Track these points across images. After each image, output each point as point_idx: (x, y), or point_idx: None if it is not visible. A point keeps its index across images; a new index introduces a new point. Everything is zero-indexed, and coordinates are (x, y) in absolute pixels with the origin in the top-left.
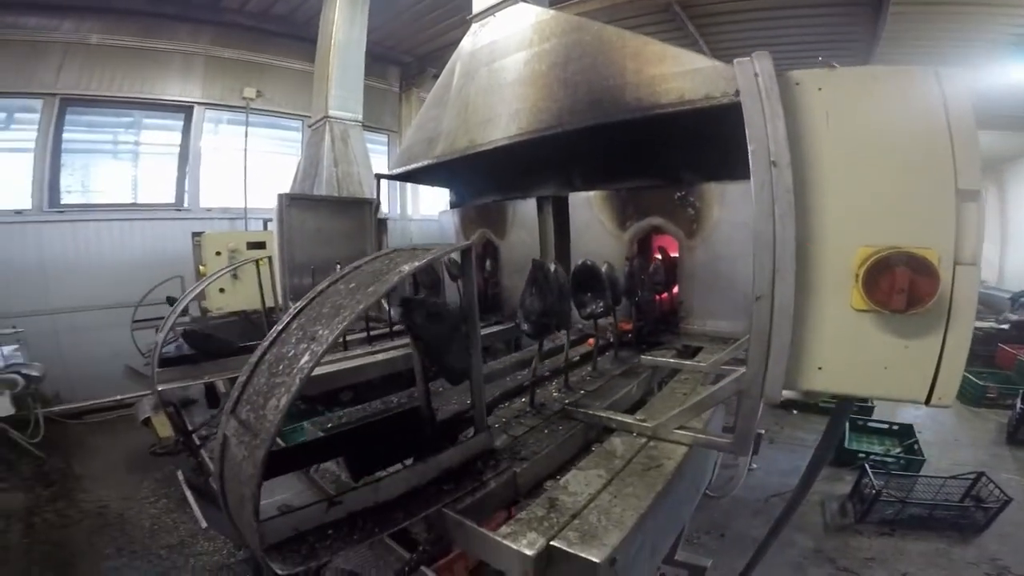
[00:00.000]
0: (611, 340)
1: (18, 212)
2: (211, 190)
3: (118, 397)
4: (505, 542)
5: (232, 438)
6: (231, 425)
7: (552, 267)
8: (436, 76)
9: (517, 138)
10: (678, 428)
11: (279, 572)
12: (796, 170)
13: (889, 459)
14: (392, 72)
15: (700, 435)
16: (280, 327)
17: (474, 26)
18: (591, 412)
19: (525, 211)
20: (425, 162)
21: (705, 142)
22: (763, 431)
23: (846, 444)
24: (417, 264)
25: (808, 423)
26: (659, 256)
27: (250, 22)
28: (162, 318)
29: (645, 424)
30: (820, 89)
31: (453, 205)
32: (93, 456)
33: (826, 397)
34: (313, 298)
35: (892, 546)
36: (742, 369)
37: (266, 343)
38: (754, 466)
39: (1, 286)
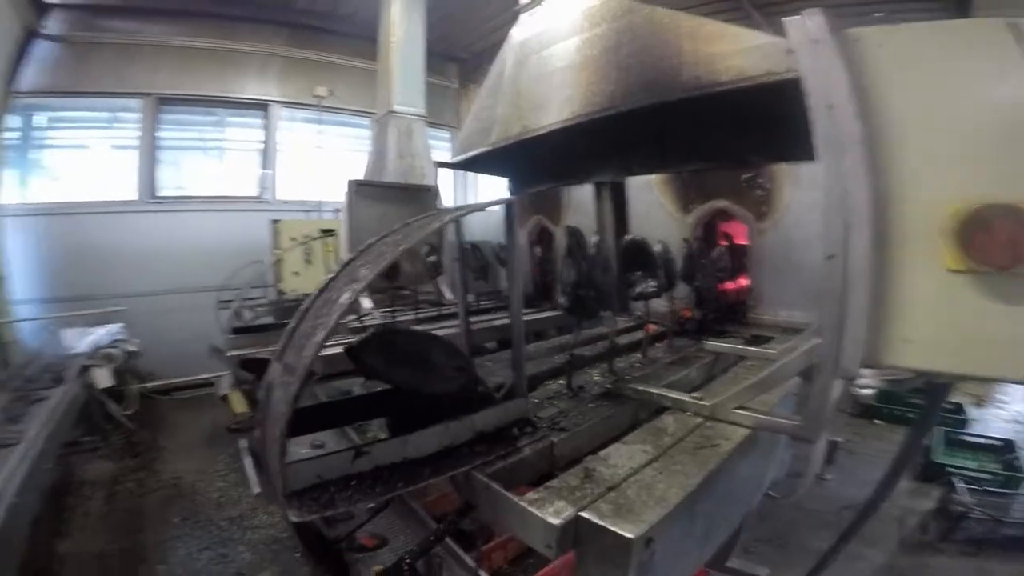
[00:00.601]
0: (668, 328)
1: (125, 202)
2: (288, 183)
3: (204, 376)
4: (530, 508)
5: (276, 382)
6: (276, 370)
7: (596, 237)
8: None
9: (570, 122)
10: (738, 408)
11: (292, 518)
12: (864, 123)
13: (984, 475)
14: (451, 69)
15: (764, 416)
16: (329, 278)
17: (523, 16)
18: (641, 388)
19: (581, 197)
20: (480, 150)
21: (772, 122)
22: (840, 439)
23: (935, 457)
24: (459, 214)
25: (893, 434)
26: (725, 242)
27: (318, 23)
28: (245, 299)
29: (702, 403)
30: (881, 45)
31: (510, 193)
32: (176, 431)
33: (914, 375)
34: (361, 251)
35: (976, 567)
36: (816, 340)
37: (315, 293)
38: (828, 476)
39: (109, 269)
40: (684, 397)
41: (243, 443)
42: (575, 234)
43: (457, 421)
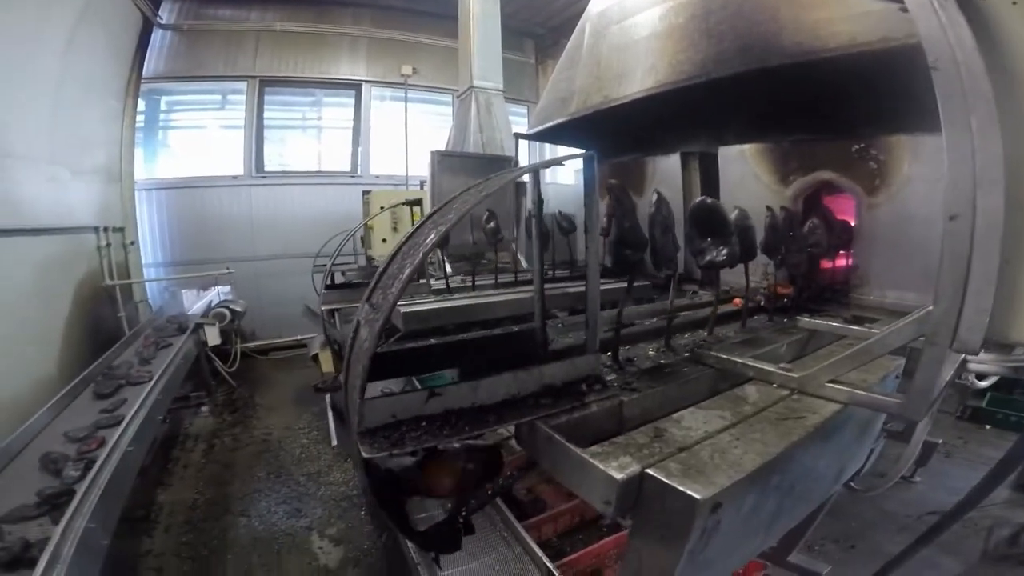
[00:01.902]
0: (746, 304)
1: (234, 177)
2: (378, 159)
3: (297, 337)
4: (592, 460)
5: (363, 322)
6: (364, 310)
7: (655, 196)
8: None
9: (655, 90)
10: (831, 382)
11: (364, 454)
12: (994, 80)
13: None
14: (528, 45)
15: (860, 392)
16: (418, 224)
17: None
18: (723, 356)
19: (667, 167)
20: (559, 120)
21: (886, 90)
22: (940, 441)
23: None
24: (538, 165)
25: (1003, 441)
26: (821, 216)
27: (401, 3)
28: (342, 262)
29: (790, 374)
30: (1015, 3)
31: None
32: (270, 389)
33: None
34: (447, 202)
35: None
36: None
37: (403, 238)
38: (917, 479)
39: (220, 236)
40: (770, 367)
41: (329, 397)
42: (615, 189)
43: (525, 371)
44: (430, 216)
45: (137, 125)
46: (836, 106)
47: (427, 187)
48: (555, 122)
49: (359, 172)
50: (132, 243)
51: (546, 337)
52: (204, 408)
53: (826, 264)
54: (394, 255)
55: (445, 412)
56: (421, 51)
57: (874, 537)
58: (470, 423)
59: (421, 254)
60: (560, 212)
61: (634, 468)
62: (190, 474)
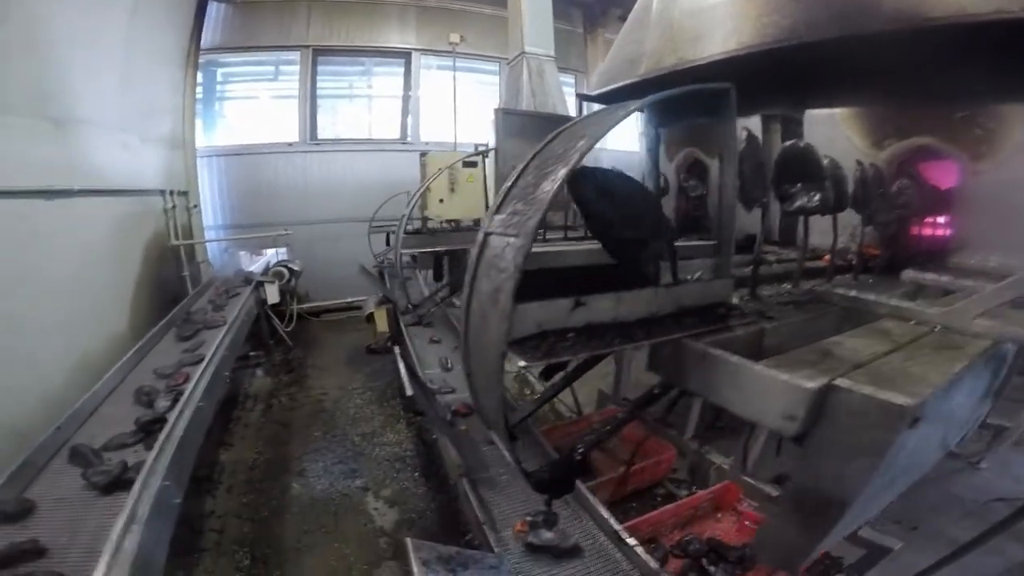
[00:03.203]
0: (832, 259)
1: (289, 144)
2: (427, 126)
3: (349, 299)
4: (775, 372)
5: (494, 233)
6: (495, 221)
7: (745, 132)
8: (621, 17)
9: (737, 52)
10: (980, 317)
11: (520, 363)
12: None
13: None
14: (576, 14)
15: (1013, 328)
16: (547, 141)
17: None
18: (851, 294)
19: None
20: (628, 81)
21: (1000, 63)
22: (1010, 425)
23: None
24: (650, 100)
25: None
26: (912, 179)
27: None
28: (391, 226)
29: (930, 311)
30: None
31: (654, 128)
32: (324, 349)
33: None
34: (559, 132)
35: None
36: None
37: (531, 155)
38: (983, 465)
39: (276, 201)
40: (906, 304)
41: (397, 349)
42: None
43: (665, 289)
44: (550, 142)
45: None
46: (937, 73)
47: (493, 141)
48: (623, 83)
49: (409, 139)
50: (195, 206)
51: (675, 256)
52: (260, 369)
53: (916, 227)
54: (523, 169)
55: (587, 325)
56: (468, 19)
57: (937, 520)
58: (618, 337)
59: (576, 155)
60: (615, 170)
61: (822, 379)
62: (250, 434)
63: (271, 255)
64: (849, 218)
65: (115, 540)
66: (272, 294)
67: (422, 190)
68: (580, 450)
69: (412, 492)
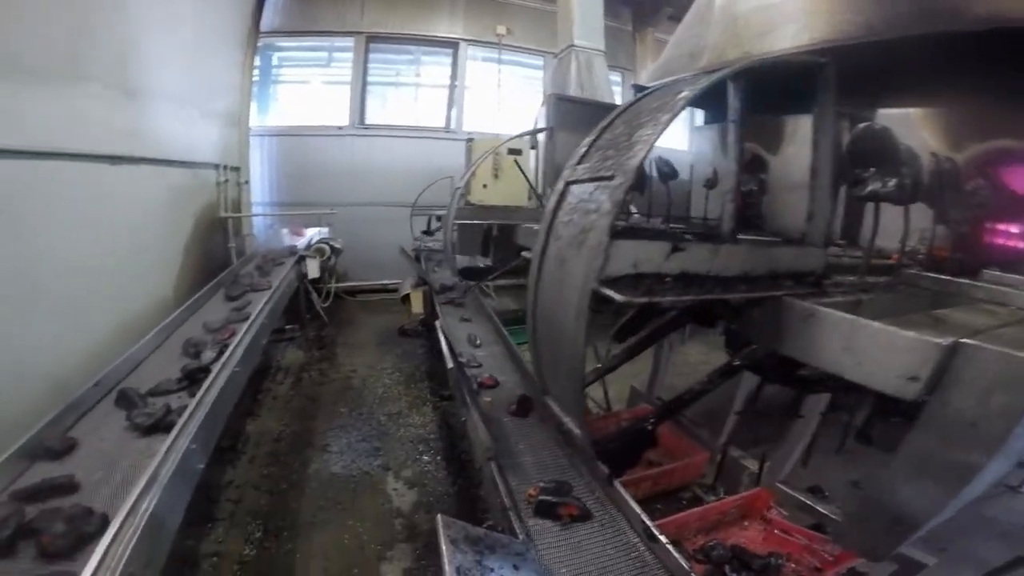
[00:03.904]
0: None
1: (339, 128)
2: (471, 116)
3: (384, 282)
4: (895, 329)
5: (577, 181)
6: (578, 171)
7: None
8: (672, 16)
9: (810, 47)
10: None
11: (619, 299)
12: None
13: None
14: (624, 12)
15: None
16: (635, 100)
17: None
18: (944, 278)
19: (808, 126)
20: (687, 74)
21: None
22: None
23: None
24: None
25: None
26: (989, 180)
27: None
28: (435, 210)
29: None
30: None
31: (708, 121)
32: (357, 328)
33: None
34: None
35: None
36: None
37: (614, 114)
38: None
39: (322, 180)
40: (1006, 288)
41: (439, 323)
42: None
43: (760, 248)
44: (634, 103)
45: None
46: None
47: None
48: (682, 75)
49: (452, 128)
50: (245, 182)
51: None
52: (294, 343)
53: (991, 230)
54: (607, 126)
55: (683, 273)
56: (515, 12)
57: (968, 543)
58: (719, 287)
59: (680, 103)
60: (660, 156)
61: (950, 337)
62: (278, 405)
63: (313, 233)
64: (916, 220)
65: (146, 479)
66: (313, 269)
67: (473, 169)
68: (651, 421)
69: (432, 475)
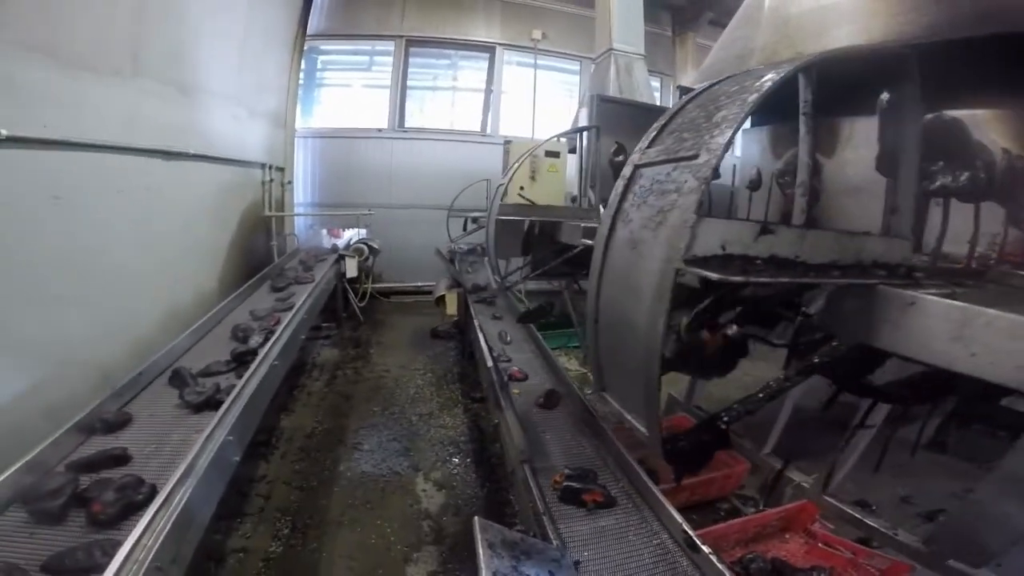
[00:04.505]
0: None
1: (379, 130)
2: (507, 121)
3: (419, 284)
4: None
5: (648, 164)
6: (648, 154)
7: None
8: (712, 21)
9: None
10: None
11: (712, 276)
12: None
13: None
14: (664, 17)
15: None
16: (708, 85)
17: None
18: None
19: (868, 128)
20: (760, 67)
21: None
22: None
23: None
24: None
25: None
26: None
27: None
28: (471, 213)
29: None
30: None
31: (756, 124)
32: (391, 329)
33: None
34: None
35: None
36: None
37: (686, 99)
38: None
39: (363, 181)
40: None
41: (476, 323)
42: None
43: (848, 235)
44: (719, 81)
45: None
46: None
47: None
48: (753, 68)
49: (488, 132)
50: (289, 182)
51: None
52: (329, 341)
53: None
54: (679, 111)
55: (772, 256)
56: (550, 16)
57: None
58: (813, 271)
59: (768, 83)
60: None
61: None
62: (312, 402)
63: (352, 234)
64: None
65: (195, 451)
66: (351, 268)
67: (516, 167)
68: (725, 419)
69: (462, 478)
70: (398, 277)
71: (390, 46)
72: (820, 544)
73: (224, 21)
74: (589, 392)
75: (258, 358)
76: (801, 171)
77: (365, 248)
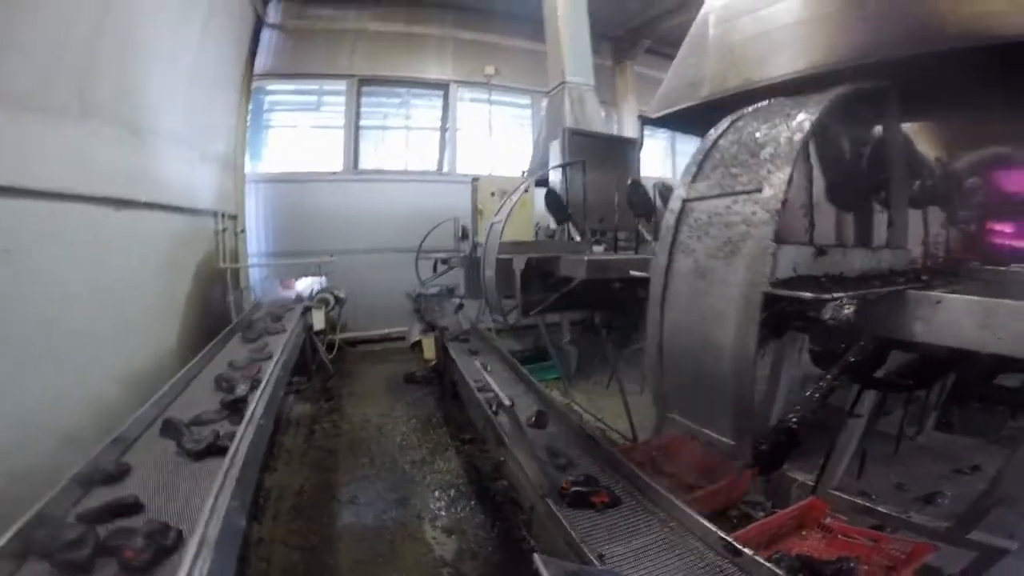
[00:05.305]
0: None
1: (333, 173)
2: (463, 158)
3: (386, 331)
4: None
5: (700, 198)
6: (697, 189)
7: None
8: (649, 49)
9: (809, 72)
10: None
11: (806, 296)
12: None
13: None
14: (604, 47)
15: None
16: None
17: None
18: (1015, 268)
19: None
20: (691, 103)
21: None
22: None
23: None
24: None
25: None
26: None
27: (483, 4)
28: (438, 253)
29: None
30: None
31: None
32: (362, 379)
33: None
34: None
35: None
36: None
37: (720, 130)
38: None
39: (320, 227)
40: None
41: (477, 362)
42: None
43: (871, 251)
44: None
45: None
46: (1006, 86)
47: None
48: (686, 105)
49: (446, 170)
50: (242, 231)
51: None
52: (300, 395)
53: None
54: (714, 143)
55: (825, 275)
56: (501, 52)
57: None
58: (855, 284)
59: (807, 125)
60: (663, 183)
61: None
62: (294, 459)
63: (308, 284)
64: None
65: (214, 494)
66: (318, 320)
67: (516, 203)
68: (793, 420)
69: (469, 521)
70: (363, 325)
71: (339, 85)
72: (839, 536)
73: (175, 59)
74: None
75: (252, 403)
76: (801, 193)
77: (331, 298)
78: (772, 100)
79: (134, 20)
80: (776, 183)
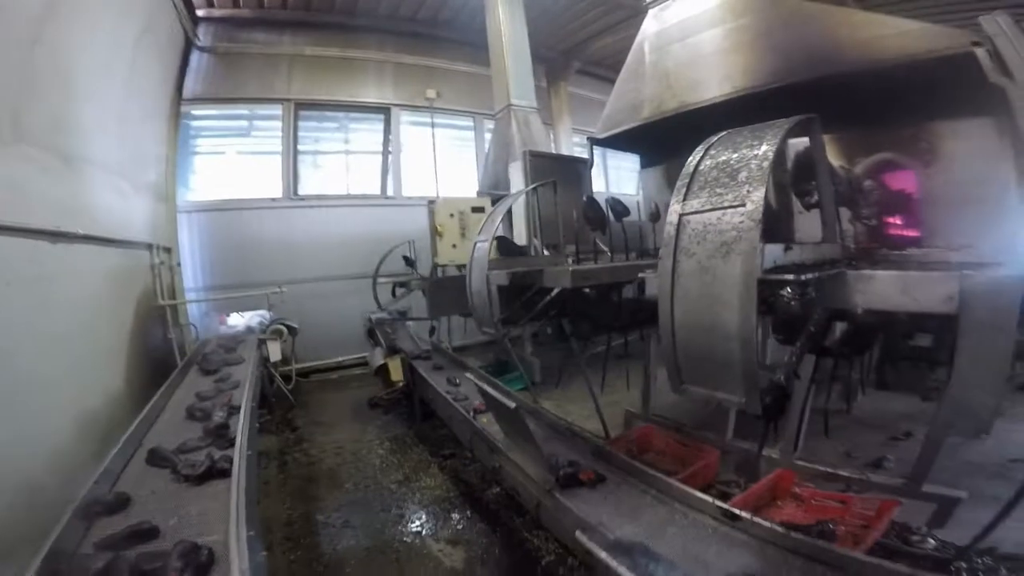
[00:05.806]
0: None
1: (272, 200)
2: (408, 181)
3: (340, 359)
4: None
5: (694, 212)
6: (689, 206)
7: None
8: (580, 70)
9: (734, 94)
10: None
11: (789, 278)
12: None
13: None
14: (538, 69)
15: None
16: (711, 142)
17: (653, 10)
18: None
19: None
20: (634, 124)
21: (927, 88)
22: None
23: None
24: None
25: None
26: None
27: (423, 29)
28: (393, 276)
29: None
30: None
31: (644, 165)
32: (325, 407)
33: None
34: (720, 137)
35: None
36: None
37: (696, 158)
38: (983, 436)
39: (261, 256)
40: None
41: (469, 375)
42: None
43: (816, 245)
44: (718, 139)
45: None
46: (887, 101)
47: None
48: (630, 126)
49: (391, 193)
50: (178, 264)
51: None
52: (261, 428)
53: (891, 221)
54: (696, 168)
55: (792, 264)
56: (442, 75)
57: (973, 483)
58: (824, 267)
59: (771, 155)
60: (613, 197)
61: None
62: (272, 491)
63: (249, 317)
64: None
65: (235, 510)
66: (275, 352)
67: (497, 223)
68: (781, 378)
69: (470, 530)
70: (315, 355)
71: (273, 110)
72: (812, 501)
73: (107, 83)
74: None
75: (238, 426)
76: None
77: (284, 329)
78: (731, 130)
79: (74, 40)
80: (755, 199)
